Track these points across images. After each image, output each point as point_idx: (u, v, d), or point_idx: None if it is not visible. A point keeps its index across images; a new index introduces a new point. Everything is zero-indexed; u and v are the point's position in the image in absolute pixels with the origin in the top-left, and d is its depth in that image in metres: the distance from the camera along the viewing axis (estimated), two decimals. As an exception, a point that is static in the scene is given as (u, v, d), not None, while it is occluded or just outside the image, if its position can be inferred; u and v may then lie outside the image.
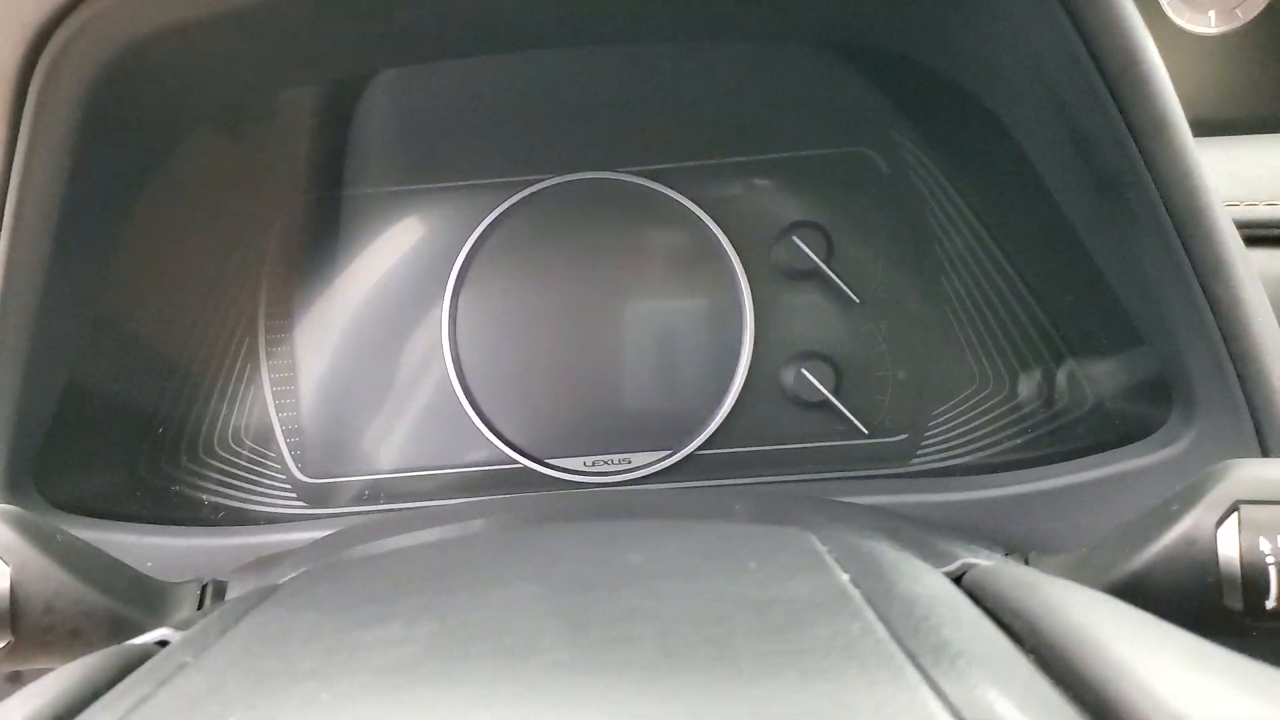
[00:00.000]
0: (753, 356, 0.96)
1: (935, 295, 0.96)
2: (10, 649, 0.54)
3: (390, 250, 0.99)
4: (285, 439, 0.97)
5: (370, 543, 0.63)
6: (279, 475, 0.97)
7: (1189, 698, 0.30)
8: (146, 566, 0.68)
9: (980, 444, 0.92)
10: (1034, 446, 0.88)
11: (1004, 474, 0.77)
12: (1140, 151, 0.62)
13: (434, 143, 0.99)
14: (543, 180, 0.98)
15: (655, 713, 0.31)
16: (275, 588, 0.51)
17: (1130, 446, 0.73)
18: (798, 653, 0.33)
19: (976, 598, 0.43)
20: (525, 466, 0.96)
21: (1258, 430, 0.64)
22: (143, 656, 0.44)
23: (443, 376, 0.97)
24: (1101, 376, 0.83)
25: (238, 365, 0.98)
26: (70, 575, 0.55)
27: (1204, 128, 0.89)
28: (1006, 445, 0.90)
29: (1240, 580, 0.48)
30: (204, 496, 0.93)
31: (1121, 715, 0.30)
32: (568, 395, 0.97)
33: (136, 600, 0.58)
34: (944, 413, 0.95)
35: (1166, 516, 0.50)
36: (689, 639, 0.35)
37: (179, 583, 0.63)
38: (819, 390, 0.95)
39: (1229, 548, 0.48)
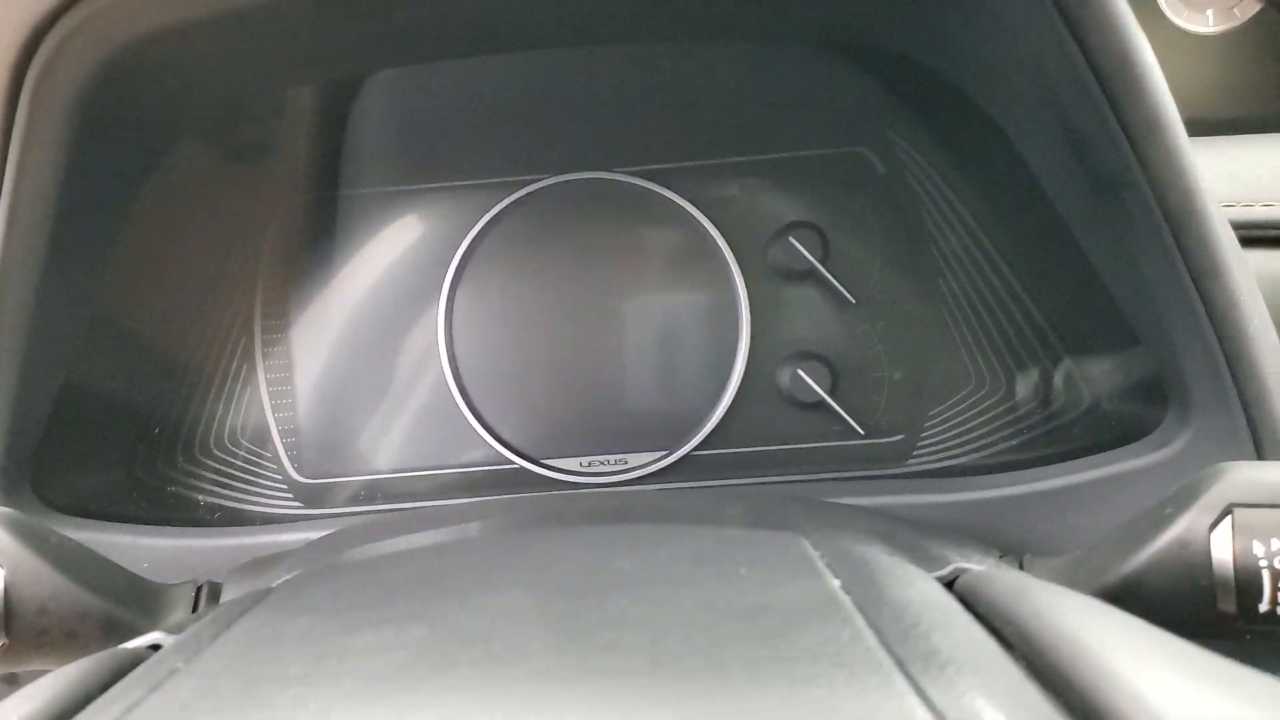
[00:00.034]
0: (749, 357, 0.96)
1: (931, 295, 0.96)
2: (4, 651, 0.54)
3: (386, 250, 0.99)
4: (281, 439, 0.97)
5: (364, 545, 0.63)
6: (275, 475, 0.97)
7: (1176, 704, 0.30)
8: (142, 567, 0.68)
9: (976, 445, 0.92)
10: (1030, 447, 0.88)
11: (1000, 475, 0.77)
12: (1134, 152, 0.62)
13: (430, 143, 0.99)
14: (539, 180, 0.98)
15: (642, 721, 0.31)
16: (268, 591, 0.52)
17: (1126, 448, 0.73)
18: (786, 660, 0.33)
19: (968, 603, 0.43)
20: (521, 467, 0.96)
21: (1253, 431, 0.64)
22: (135, 661, 0.44)
23: (439, 377, 0.97)
24: (1097, 377, 0.83)
25: (234, 365, 0.98)
26: (65, 577, 0.55)
27: (1202, 127, 0.89)
28: (1002, 446, 0.90)
29: (1234, 583, 0.48)
30: (200, 497, 0.93)
31: None
32: (564, 396, 0.97)
33: (131, 602, 0.58)
34: (940, 413, 0.95)
35: (1160, 519, 0.50)
36: (678, 646, 0.35)
37: (173, 584, 0.63)
38: (815, 391, 0.95)
39: (1222, 551, 0.48)
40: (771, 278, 0.97)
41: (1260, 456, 0.64)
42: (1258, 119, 1.07)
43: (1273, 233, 0.88)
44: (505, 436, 0.97)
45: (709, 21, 0.85)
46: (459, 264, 0.98)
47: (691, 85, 0.96)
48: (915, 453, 0.95)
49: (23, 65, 0.63)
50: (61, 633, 0.55)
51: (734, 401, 0.96)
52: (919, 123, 0.94)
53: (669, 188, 0.97)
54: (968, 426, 0.93)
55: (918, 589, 0.42)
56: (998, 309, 0.91)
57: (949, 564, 0.51)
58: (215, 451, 0.96)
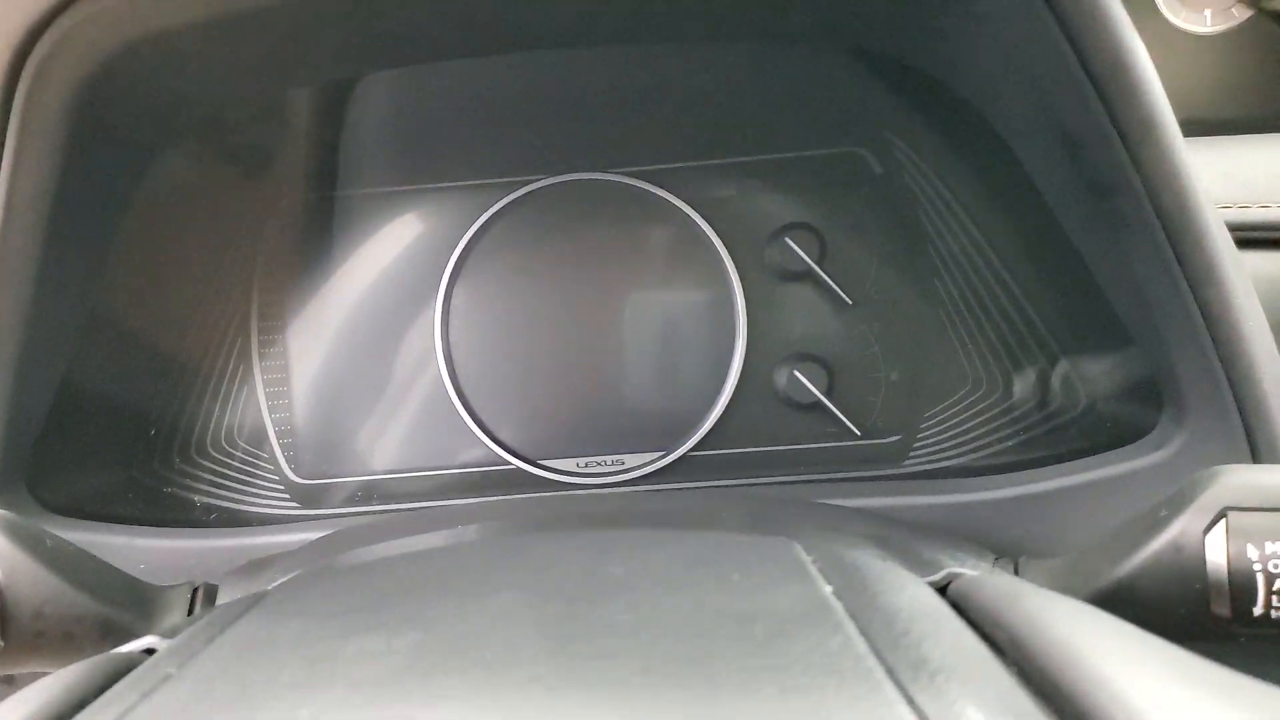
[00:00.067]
0: (745, 358, 0.96)
1: (928, 297, 0.96)
2: (1, 654, 0.54)
3: (383, 251, 0.99)
4: (278, 440, 0.97)
5: (360, 548, 0.63)
6: (272, 476, 0.97)
7: (1166, 711, 0.30)
8: (139, 568, 0.68)
9: (972, 446, 0.92)
10: (1025, 449, 0.88)
11: (996, 476, 0.77)
12: (1129, 154, 0.62)
13: (427, 143, 0.99)
14: (536, 181, 0.98)
15: (632, 728, 0.31)
16: (263, 595, 0.52)
17: (1121, 450, 0.73)
18: (777, 668, 0.33)
19: (960, 608, 0.43)
20: (518, 468, 0.97)
21: (1248, 434, 0.64)
22: (129, 665, 0.44)
23: (436, 377, 0.97)
24: (1093, 379, 0.83)
25: (231, 365, 0.98)
26: (61, 580, 0.55)
27: (1199, 127, 0.89)
28: (998, 447, 0.90)
29: (1228, 587, 0.48)
30: (196, 498, 0.93)
31: None
32: (561, 396, 0.97)
33: (127, 604, 0.58)
34: (936, 414, 0.95)
35: (1155, 522, 0.51)
36: (668, 653, 0.35)
37: (170, 586, 0.63)
38: (811, 392, 0.95)
39: (1217, 554, 0.48)
40: (768, 278, 0.97)
41: (1255, 459, 0.64)
42: (1255, 119, 1.07)
43: (1269, 234, 0.87)
44: (502, 437, 0.97)
45: (706, 23, 0.84)
46: (456, 265, 0.98)
47: (688, 86, 0.96)
48: (911, 454, 0.95)
49: (18, 66, 0.63)
50: (58, 635, 0.55)
51: (731, 402, 0.96)
52: (916, 123, 0.94)
53: (666, 188, 0.97)
54: (964, 428, 0.93)
55: (909, 595, 0.42)
56: (994, 310, 0.91)
57: (942, 568, 0.51)
58: (212, 452, 0.96)
